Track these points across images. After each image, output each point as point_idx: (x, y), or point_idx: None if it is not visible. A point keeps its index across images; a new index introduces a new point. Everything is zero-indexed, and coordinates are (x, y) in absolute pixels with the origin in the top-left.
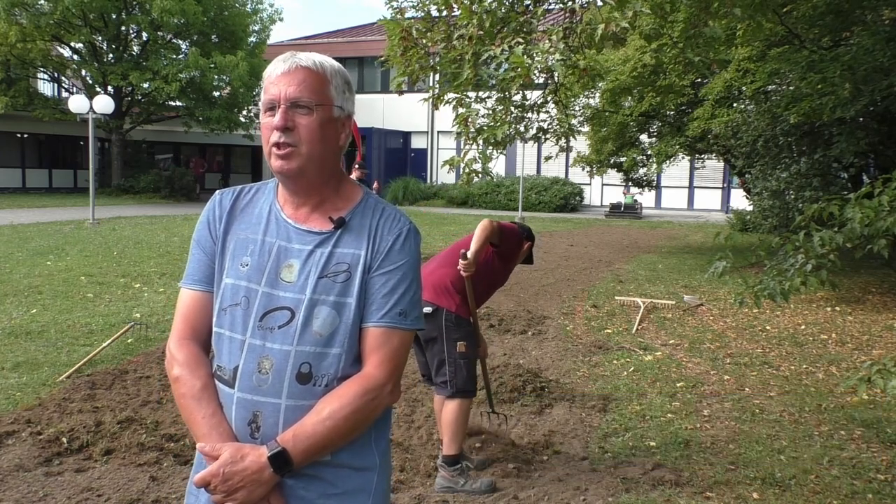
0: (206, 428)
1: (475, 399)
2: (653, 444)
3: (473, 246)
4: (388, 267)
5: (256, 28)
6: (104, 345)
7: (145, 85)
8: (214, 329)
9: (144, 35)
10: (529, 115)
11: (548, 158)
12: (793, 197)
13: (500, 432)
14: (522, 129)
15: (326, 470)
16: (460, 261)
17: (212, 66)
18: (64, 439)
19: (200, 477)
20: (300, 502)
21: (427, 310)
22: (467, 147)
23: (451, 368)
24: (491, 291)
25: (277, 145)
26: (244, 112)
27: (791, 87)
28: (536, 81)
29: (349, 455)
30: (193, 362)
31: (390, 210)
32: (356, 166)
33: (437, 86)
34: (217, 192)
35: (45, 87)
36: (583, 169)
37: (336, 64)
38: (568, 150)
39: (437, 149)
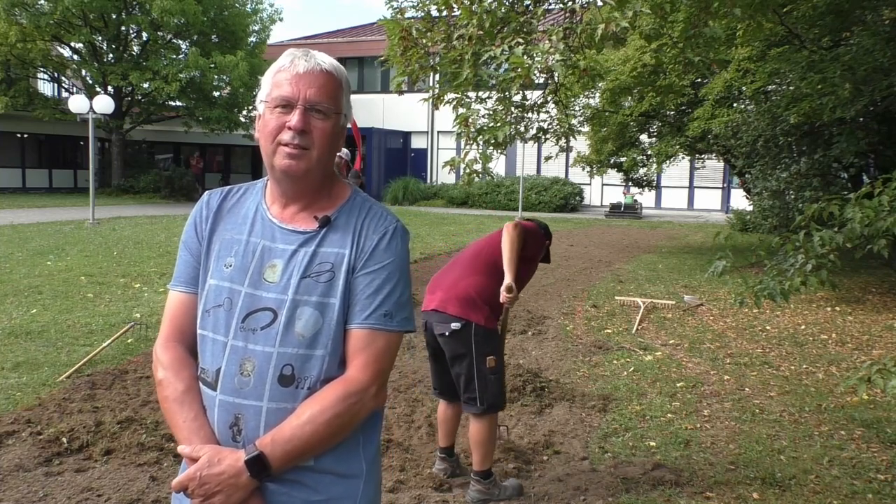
0: (186, 432)
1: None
2: (653, 444)
3: (509, 270)
4: (373, 267)
5: (256, 28)
6: (104, 345)
7: (145, 85)
8: (198, 331)
9: (144, 35)
10: (529, 115)
11: (548, 158)
12: (793, 197)
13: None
14: (522, 129)
15: (310, 475)
16: (505, 293)
17: (212, 66)
18: (64, 439)
19: (178, 481)
20: None
21: (455, 326)
22: (468, 147)
23: (482, 384)
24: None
25: (289, 145)
26: (244, 112)
27: (791, 87)
28: (536, 82)
29: (334, 461)
30: (178, 365)
31: (377, 208)
32: (348, 177)
33: (437, 86)
34: (206, 192)
35: (45, 87)
36: (583, 169)
37: (345, 70)
38: (568, 150)
39: (437, 149)
